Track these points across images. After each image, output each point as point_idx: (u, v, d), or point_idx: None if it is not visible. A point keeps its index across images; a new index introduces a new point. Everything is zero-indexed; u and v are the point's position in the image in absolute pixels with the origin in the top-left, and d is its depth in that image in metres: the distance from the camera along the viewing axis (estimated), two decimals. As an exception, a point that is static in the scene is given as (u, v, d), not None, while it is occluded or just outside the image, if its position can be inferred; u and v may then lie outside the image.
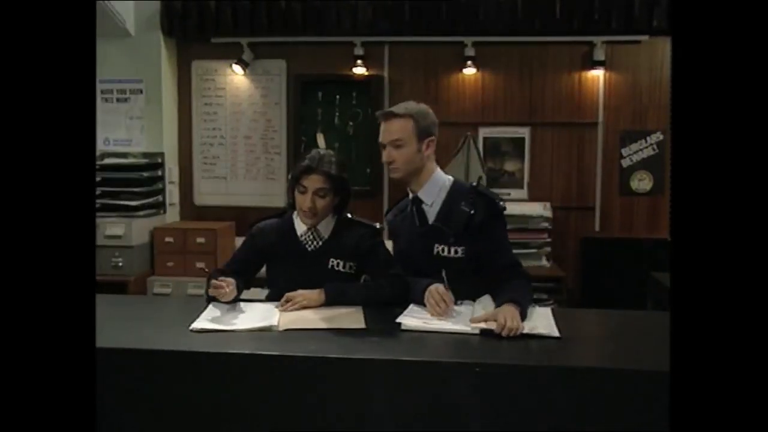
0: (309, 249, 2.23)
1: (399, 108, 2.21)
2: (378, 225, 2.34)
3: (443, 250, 2.16)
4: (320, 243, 2.23)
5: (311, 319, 1.94)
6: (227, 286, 2.01)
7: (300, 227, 2.24)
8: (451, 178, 2.27)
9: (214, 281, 2.01)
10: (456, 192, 2.22)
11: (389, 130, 2.18)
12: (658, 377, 1.55)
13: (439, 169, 2.27)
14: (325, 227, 2.25)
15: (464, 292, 2.11)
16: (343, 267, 2.22)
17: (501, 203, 2.19)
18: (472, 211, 2.14)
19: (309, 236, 2.23)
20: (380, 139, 2.21)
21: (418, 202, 2.23)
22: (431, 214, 2.21)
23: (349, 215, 2.31)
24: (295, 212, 2.25)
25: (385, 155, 2.19)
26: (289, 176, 2.23)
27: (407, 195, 2.30)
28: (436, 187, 2.22)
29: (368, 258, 2.25)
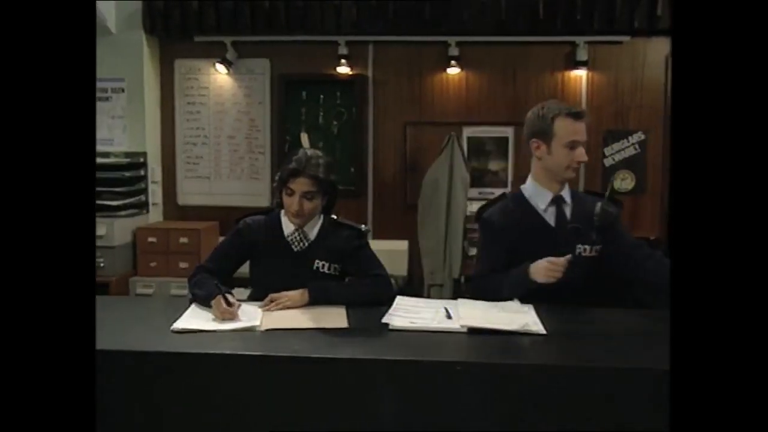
0: (295, 249, 2.22)
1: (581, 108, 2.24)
2: (364, 227, 2.34)
3: (585, 250, 2.17)
4: (306, 244, 2.23)
5: (294, 318, 1.94)
6: (235, 309, 1.96)
7: (287, 227, 2.24)
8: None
9: (225, 308, 1.93)
10: (577, 195, 2.26)
11: (582, 130, 2.16)
12: (640, 374, 1.58)
13: None
14: (312, 228, 2.24)
15: (592, 294, 2.14)
16: (328, 269, 2.22)
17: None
18: (615, 212, 2.17)
19: (296, 237, 2.22)
20: (575, 138, 2.14)
21: (560, 201, 2.21)
22: (568, 214, 2.21)
23: (334, 216, 2.31)
24: (283, 211, 2.24)
25: (582, 155, 2.16)
26: (276, 177, 2.21)
27: (504, 193, 2.34)
28: (568, 190, 2.24)
29: (353, 259, 2.25)
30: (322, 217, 2.27)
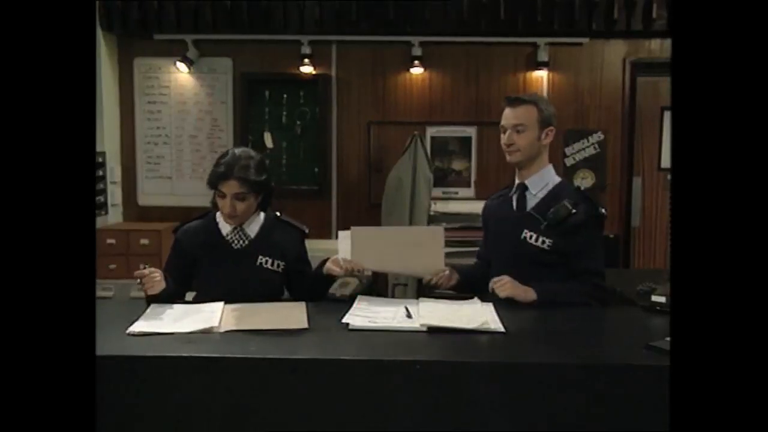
0: (235, 247, 2.23)
1: (525, 95, 2.29)
2: (305, 229, 2.38)
3: (530, 237, 2.20)
4: (246, 241, 2.24)
5: (253, 319, 1.92)
6: (152, 273, 2.03)
7: (225, 227, 2.25)
8: (559, 178, 2.31)
9: (136, 272, 2.01)
10: (562, 189, 2.26)
11: (513, 115, 2.23)
12: (597, 371, 1.61)
13: (551, 166, 2.31)
14: (251, 226, 2.26)
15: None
16: (272, 265, 2.24)
17: (603, 211, 2.23)
18: (574, 210, 2.17)
19: (234, 235, 2.24)
20: (502, 122, 2.26)
21: (522, 188, 2.28)
22: (531, 202, 2.25)
23: (278, 213, 2.33)
24: (219, 212, 2.25)
25: (506, 138, 2.24)
26: (207, 180, 2.20)
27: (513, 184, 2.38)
28: (544, 180, 2.27)
29: (299, 262, 2.31)
30: (261, 214, 2.29)
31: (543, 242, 2.19)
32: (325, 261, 2.25)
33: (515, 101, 2.26)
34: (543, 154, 2.27)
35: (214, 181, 2.15)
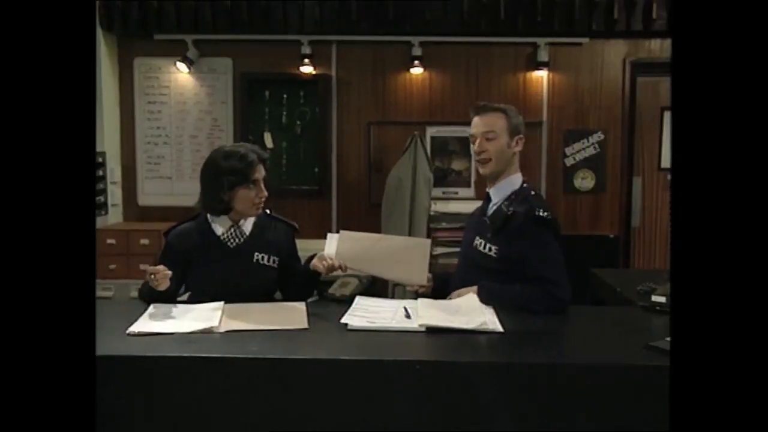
0: (231, 246, 2.24)
1: (491, 103, 2.28)
2: (296, 225, 2.41)
3: (480, 244, 2.21)
4: (242, 239, 2.26)
5: (254, 319, 1.92)
6: (162, 271, 2.01)
7: (219, 227, 2.25)
8: (521, 183, 2.26)
9: (147, 267, 2.00)
10: (518, 194, 2.22)
11: (482, 123, 2.23)
12: (596, 370, 1.61)
13: (518, 174, 2.27)
14: (245, 223, 2.28)
15: None
16: (268, 260, 2.26)
17: (543, 213, 2.12)
18: (510, 212, 2.15)
19: (231, 233, 2.25)
20: (471, 132, 2.25)
21: (488, 197, 2.29)
22: (490, 210, 2.26)
23: (268, 211, 2.35)
24: (209, 215, 2.25)
25: (476, 146, 2.23)
26: (227, 178, 2.16)
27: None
28: (506, 188, 2.24)
29: (292, 257, 2.34)
30: None
31: (490, 249, 2.18)
32: (311, 258, 2.26)
33: (482, 109, 2.25)
34: (513, 164, 2.26)
35: (246, 172, 2.16)
